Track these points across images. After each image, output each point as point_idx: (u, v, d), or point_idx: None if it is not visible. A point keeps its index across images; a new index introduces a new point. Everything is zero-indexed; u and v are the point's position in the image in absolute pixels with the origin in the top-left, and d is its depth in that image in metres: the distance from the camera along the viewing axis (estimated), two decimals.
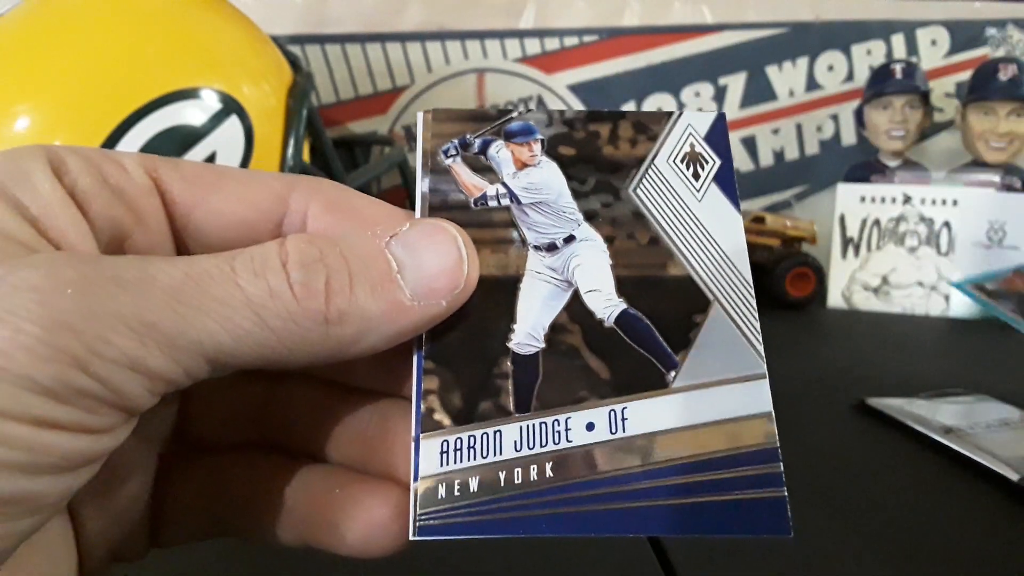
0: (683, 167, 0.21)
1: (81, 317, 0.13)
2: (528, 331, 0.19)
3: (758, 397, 0.18)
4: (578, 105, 0.92)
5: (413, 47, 0.89)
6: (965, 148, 0.88)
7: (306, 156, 0.58)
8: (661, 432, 0.18)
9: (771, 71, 0.95)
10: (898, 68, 0.87)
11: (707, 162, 0.21)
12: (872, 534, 0.30)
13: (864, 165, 0.90)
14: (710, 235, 0.20)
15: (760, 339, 0.18)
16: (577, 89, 0.93)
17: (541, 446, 0.18)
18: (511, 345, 0.19)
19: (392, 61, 0.89)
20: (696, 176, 0.21)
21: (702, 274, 0.19)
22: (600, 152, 0.21)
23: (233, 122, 0.52)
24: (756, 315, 0.19)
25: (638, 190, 0.20)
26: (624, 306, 0.19)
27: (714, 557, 0.28)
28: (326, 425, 0.21)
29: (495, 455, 0.17)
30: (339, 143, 0.77)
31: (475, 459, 0.17)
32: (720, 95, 0.95)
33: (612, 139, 0.21)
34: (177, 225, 0.18)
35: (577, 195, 0.20)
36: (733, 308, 0.19)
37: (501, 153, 0.21)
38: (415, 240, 0.17)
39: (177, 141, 0.49)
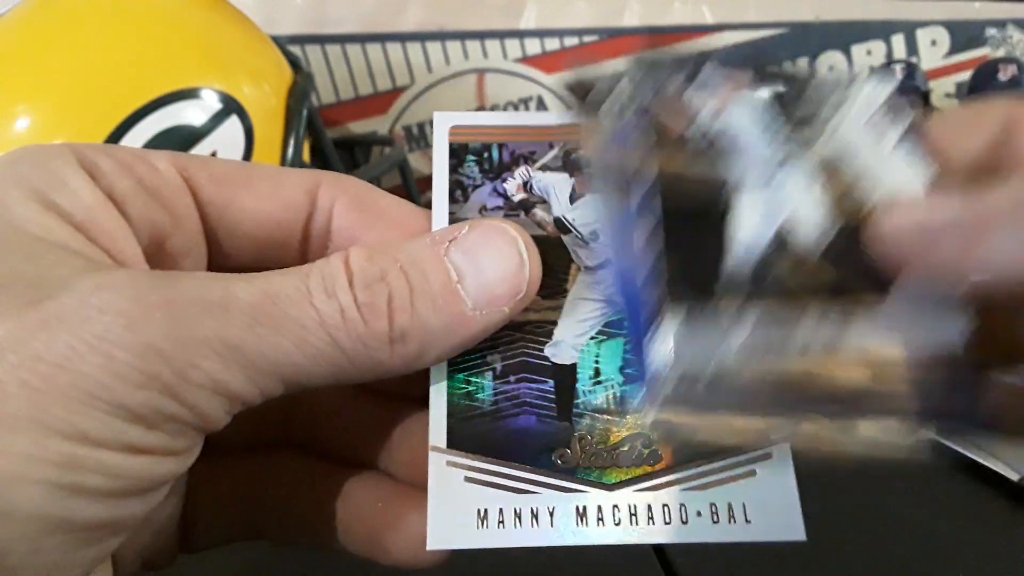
0: None
1: (170, 343, 0.13)
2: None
3: None
4: None
5: (413, 47, 0.89)
6: None
7: (306, 156, 0.58)
8: None
9: None
10: (898, 68, 0.87)
11: None
12: (871, 534, 0.30)
13: None
14: None
15: None
16: None
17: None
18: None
19: (392, 61, 0.89)
20: None
21: None
22: None
23: (233, 122, 0.52)
24: None
25: None
26: None
27: (714, 557, 0.28)
28: (350, 427, 0.21)
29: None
30: (339, 143, 0.76)
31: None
32: None
33: None
34: (210, 224, 0.18)
35: None
36: None
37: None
38: (475, 245, 0.17)
39: (177, 141, 0.49)
